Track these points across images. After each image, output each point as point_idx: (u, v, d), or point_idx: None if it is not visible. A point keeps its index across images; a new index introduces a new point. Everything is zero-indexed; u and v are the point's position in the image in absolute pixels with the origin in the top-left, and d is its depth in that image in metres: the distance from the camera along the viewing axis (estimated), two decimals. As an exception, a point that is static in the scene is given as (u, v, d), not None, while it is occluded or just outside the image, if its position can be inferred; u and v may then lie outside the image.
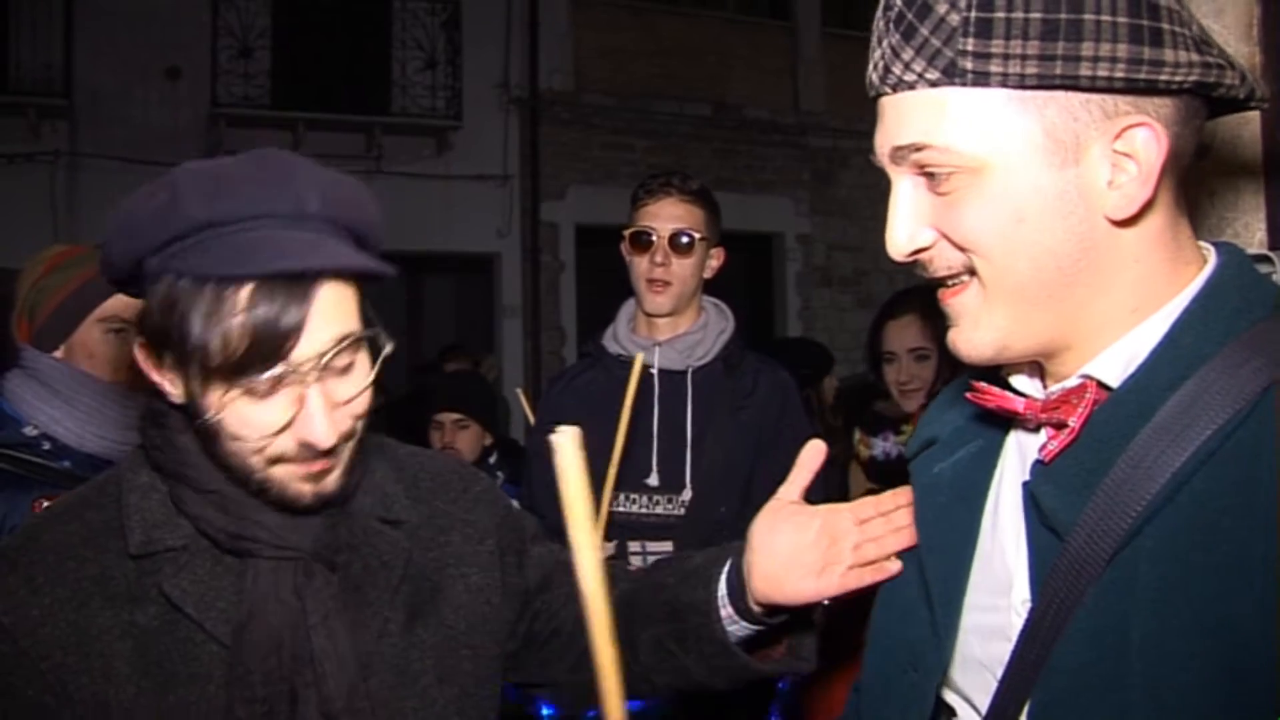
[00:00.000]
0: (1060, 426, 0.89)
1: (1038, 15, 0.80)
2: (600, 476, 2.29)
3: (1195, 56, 0.81)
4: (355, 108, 9.41)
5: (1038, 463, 0.90)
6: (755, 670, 1.22)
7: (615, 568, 1.43)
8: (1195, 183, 1.35)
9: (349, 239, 1.07)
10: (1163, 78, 0.80)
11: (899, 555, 1.12)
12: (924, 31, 0.83)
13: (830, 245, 11.21)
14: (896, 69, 0.85)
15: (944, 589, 0.97)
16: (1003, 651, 0.89)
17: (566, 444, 1.03)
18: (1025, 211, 0.83)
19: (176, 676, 1.06)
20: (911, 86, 0.85)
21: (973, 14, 0.81)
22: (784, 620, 1.21)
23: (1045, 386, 0.94)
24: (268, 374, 1.00)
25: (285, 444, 1.04)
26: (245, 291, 0.98)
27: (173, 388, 1.07)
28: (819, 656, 1.26)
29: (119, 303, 1.85)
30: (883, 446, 3.06)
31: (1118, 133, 0.82)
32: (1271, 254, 1.26)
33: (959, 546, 0.98)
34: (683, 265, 2.42)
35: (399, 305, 10.29)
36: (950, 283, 0.90)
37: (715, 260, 2.51)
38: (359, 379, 1.07)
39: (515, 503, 1.52)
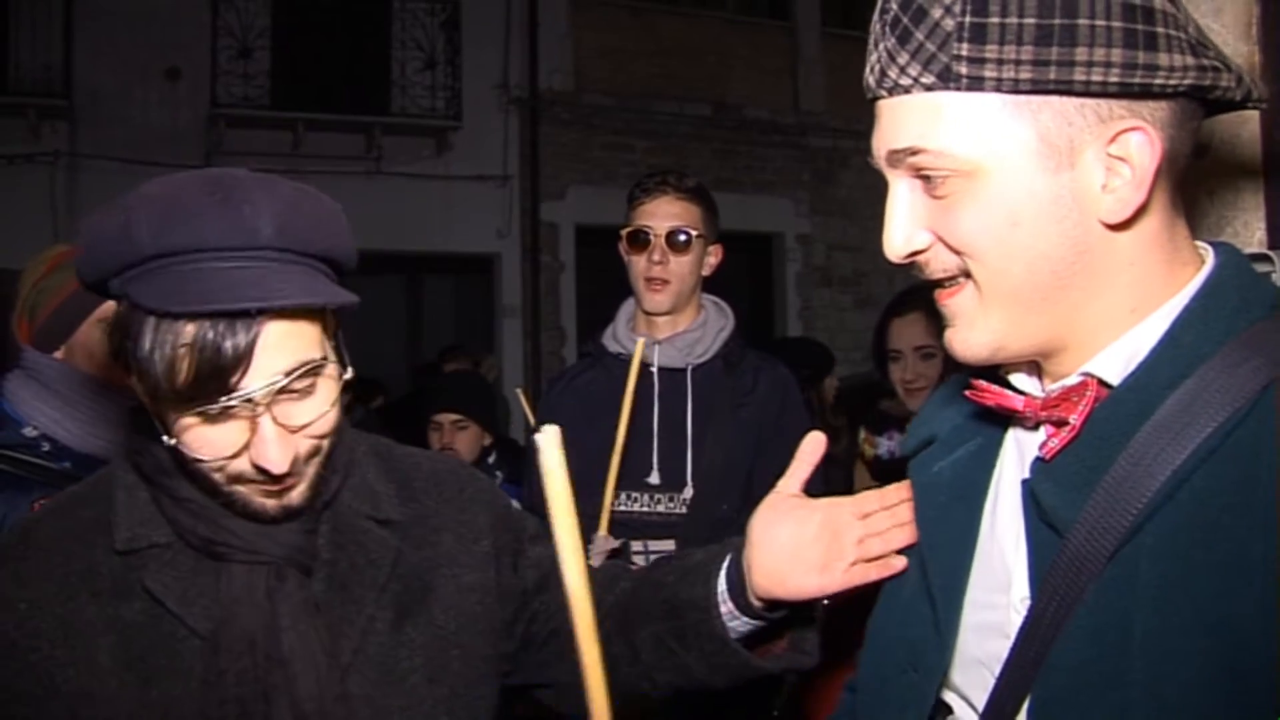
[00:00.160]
0: (1060, 424, 0.89)
1: (1032, 20, 0.80)
2: (602, 476, 2.30)
3: (1190, 60, 0.81)
4: (355, 108, 9.41)
5: (1038, 460, 0.91)
6: (756, 667, 1.21)
7: (617, 566, 1.43)
8: (1194, 181, 1.35)
9: (308, 265, 1.07)
10: (1157, 82, 0.80)
11: (902, 552, 1.12)
12: (919, 36, 0.84)
13: (830, 245, 11.21)
14: (892, 73, 0.86)
15: (945, 588, 0.97)
16: (1001, 649, 0.89)
17: (549, 443, 1.03)
18: (1020, 215, 0.84)
19: (158, 671, 1.08)
20: (907, 90, 0.86)
21: (967, 19, 0.81)
22: (785, 615, 1.21)
23: (1043, 384, 0.95)
24: (216, 405, 1.01)
25: (242, 465, 1.06)
26: (190, 325, 0.99)
27: (143, 398, 1.08)
28: (820, 653, 1.25)
29: (119, 303, 1.85)
30: (888, 445, 3.06)
31: (1112, 137, 0.82)
32: (1271, 253, 1.26)
33: (960, 545, 0.98)
34: (680, 263, 2.42)
35: (399, 305, 10.30)
36: (947, 284, 0.91)
37: (713, 257, 2.51)
38: (319, 403, 1.08)
39: (516, 503, 1.52)
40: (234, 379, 1.00)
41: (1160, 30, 0.80)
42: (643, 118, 10.38)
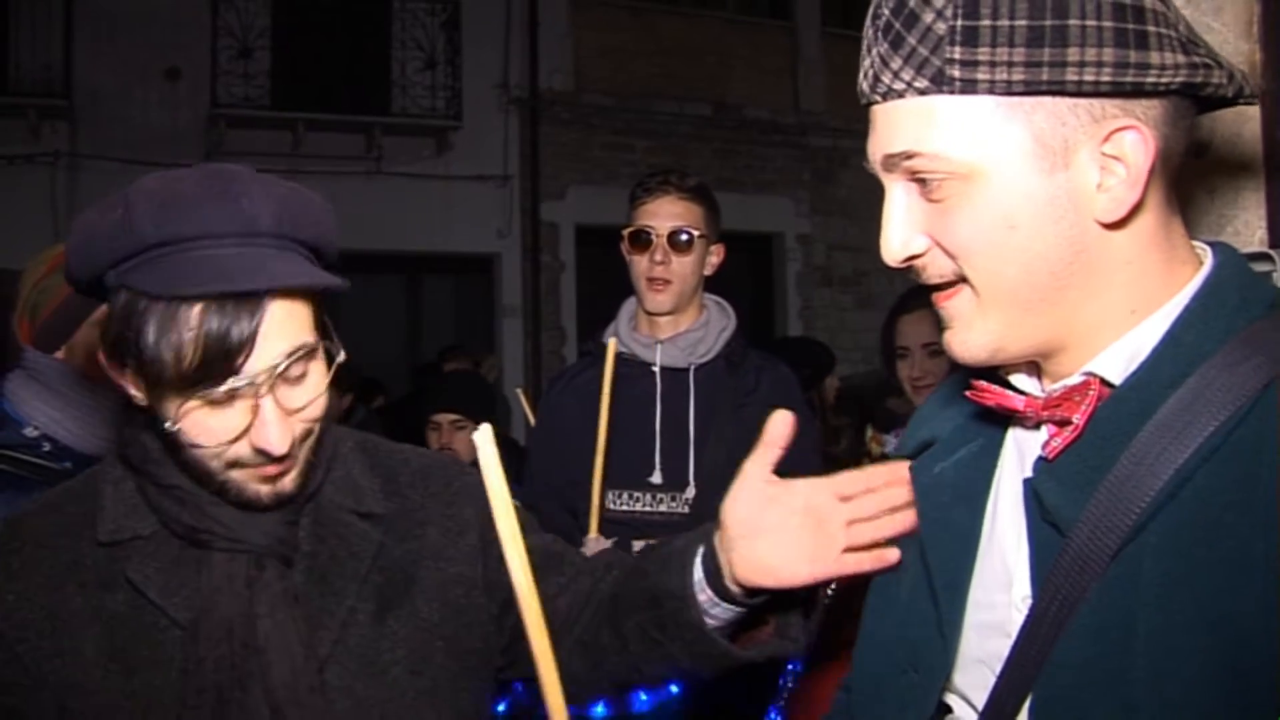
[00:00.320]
0: (1063, 424, 0.89)
1: (1023, 22, 0.80)
2: (604, 474, 2.30)
3: (1182, 58, 0.81)
4: (355, 108, 9.41)
5: (1040, 459, 0.91)
6: (736, 657, 1.19)
7: (612, 554, 1.42)
8: (1195, 180, 1.35)
9: (301, 253, 1.11)
10: (1149, 80, 0.81)
11: (900, 552, 1.10)
12: (911, 40, 0.84)
13: (830, 245, 11.21)
14: (886, 78, 0.86)
15: (949, 587, 0.97)
16: (1002, 648, 0.89)
17: (485, 442, 1.05)
18: (1016, 218, 0.84)
19: (140, 661, 1.11)
20: (901, 95, 0.86)
21: (959, 22, 0.82)
22: (766, 600, 1.18)
23: (1042, 384, 0.95)
24: (221, 387, 1.04)
25: (241, 450, 1.08)
26: (196, 309, 1.02)
27: (137, 392, 1.11)
28: (820, 651, 1.24)
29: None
30: (895, 444, 3.06)
31: (1105, 136, 0.82)
32: (1272, 251, 1.26)
33: (962, 545, 0.98)
34: (682, 263, 2.42)
35: (399, 306, 10.30)
36: (944, 286, 0.91)
37: (715, 257, 2.51)
38: (312, 387, 1.12)
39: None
40: (240, 360, 1.03)
41: (1151, 29, 0.81)
42: (643, 117, 10.38)
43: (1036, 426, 0.94)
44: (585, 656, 1.27)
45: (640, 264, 2.44)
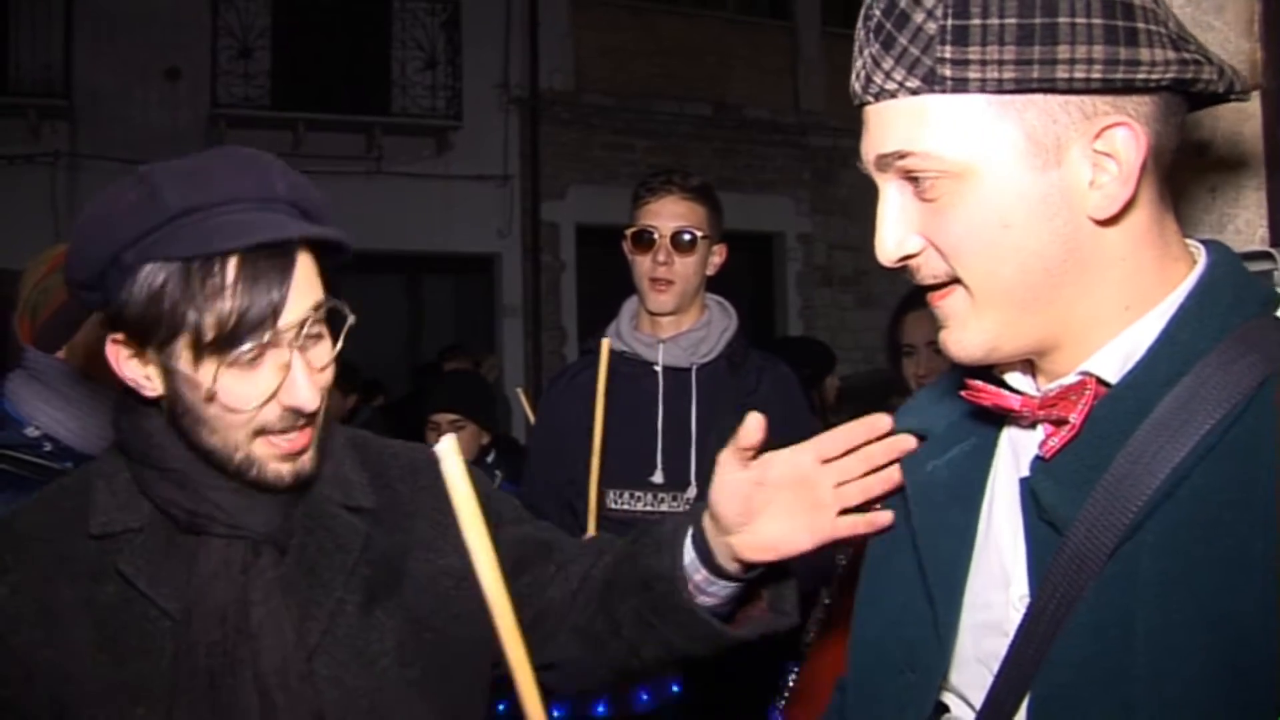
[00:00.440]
0: (1059, 423, 0.89)
1: (1013, 21, 0.81)
2: (606, 473, 2.30)
3: (1171, 54, 0.82)
4: (355, 108, 9.41)
5: (1037, 459, 0.91)
6: (730, 637, 1.20)
7: (603, 539, 1.42)
8: (1197, 179, 1.35)
9: (309, 220, 1.16)
10: (1140, 76, 0.81)
11: (892, 551, 1.10)
12: (903, 41, 0.84)
13: (831, 245, 11.21)
14: (878, 78, 0.87)
15: (945, 587, 0.97)
16: (1000, 647, 0.90)
17: (449, 453, 1.05)
18: (1010, 217, 0.84)
19: (132, 651, 1.12)
20: (893, 95, 0.86)
21: (949, 22, 0.82)
22: (762, 572, 1.19)
23: (1037, 383, 0.95)
24: (259, 341, 1.07)
25: (271, 413, 1.11)
26: (231, 265, 1.06)
27: (150, 383, 1.13)
28: (819, 647, 1.24)
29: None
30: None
31: (1097, 133, 0.83)
32: (1273, 250, 1.26)
33: (958, 545, 0.98)
34: (685, 264, 2.42)
35: (399, 306, 10.30)
36: (938, 286, 0.92)
37: (718, 257, 2.51)
38: (328, 347, 1.16)
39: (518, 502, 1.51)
40: (276, 313, 1.07)
41: (1140, 25, 0.81)
42: (643, 117, 10.38)
43: (1032, 425, 0.94)
44: (583, 644, 1.28)
45: (643, 264, 2.44)
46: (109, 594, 1.13)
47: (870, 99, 0.89)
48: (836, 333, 10.27)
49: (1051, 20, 0.80)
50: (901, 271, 0.94)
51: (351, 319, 1.18)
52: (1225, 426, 0.80)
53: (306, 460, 1.17)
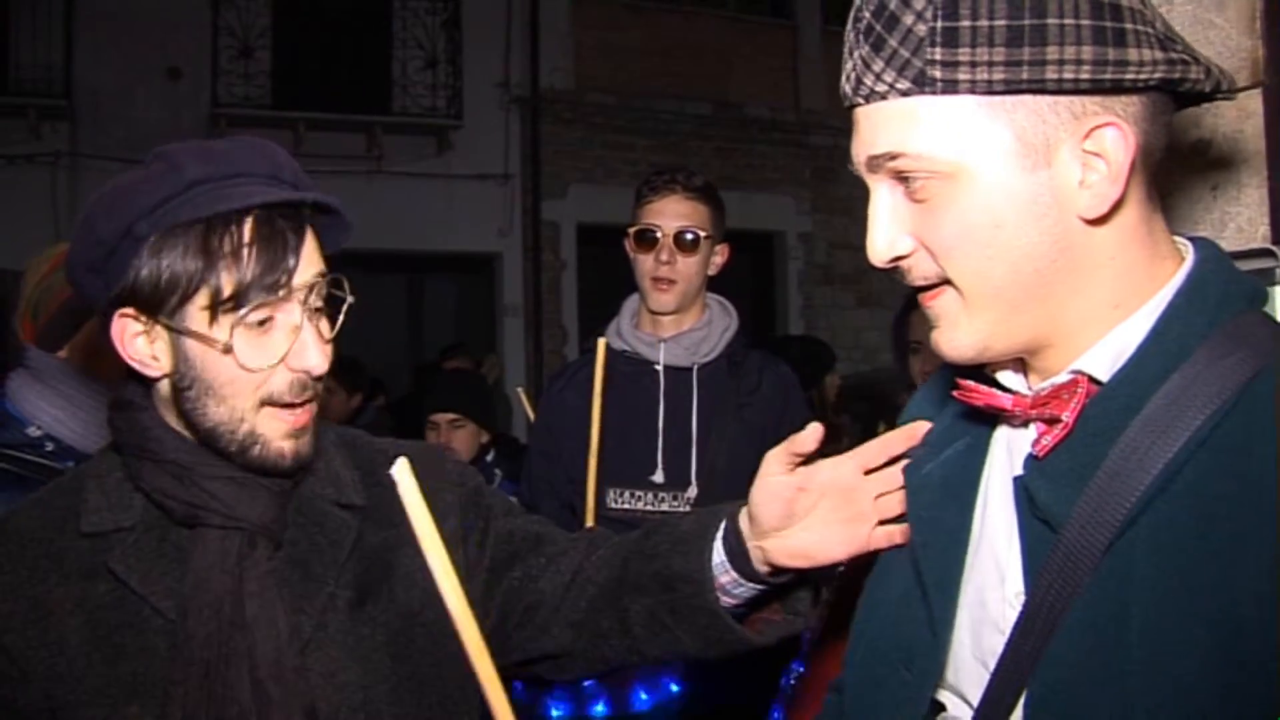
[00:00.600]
0: (1051, 421, 0.90)
1: (1002, 22, 0.81)
2: (606, 472, 2.30)
3: (1159, 54, 0.83)
4: (356, 107, 9.41)
5: (1031, 457, 0.91)
6: (749, 642, 1.21)
7: (596, 533, 1.43)
8: (1198, 177, 1.35)
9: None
10: (1128, 77, 0.82)
11: (890, 552, 1.11)
12: (893, 43, 0.85)
13: (832, 243, 11.21)
14: (868, 80, 0.87)
15: (940, 586, 0.98)
16: (996, 644, 0.90)
17: (403, 475, 1.08)
18: (1001, 216, 0.85)
19: (125, 649, 1.13)
20: (884, 97, 0.87)
21: (939, 24, 0.83)
22: (789, 579, 1.20)
23: (1029, 381, 0.96)
24: (273, 297, 1.10)
25: (280, 379, 1.14)
26: (248, 225, 1.10)
27: (157, 362, 1.15)
28: (819, 647, 1.24)
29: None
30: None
31: (1086, 133, 0.84)
32: (1275, 248, 1.26)
33: (952, 544, 0.98)
34: (688, 263, 2.41)
35: (400, 305, 10.30)
36: (930, 287, 0.93)
37: (720, 257, 2.51)
38: (329, 326, 1.20)
39: (515, 499, 1.51)
40: (292, 268, 1.11)
41: (1128, 26, 0.82)
42: (644, 116, 10.38)
43: (1025, 424, 0.95)
44: (582, 638, 1.29)
45: (645, 263, 2.44)
46: (101, 593, 1.14)
47: (861, 101, 0.89)
48: (837, 332, 10.26)
49: (1040, 22, 0.81)
50: (893, 273, 0.94)
51: (350, 299, 1.20)
52: (1216, 421, 0.81)
53: (306, 443, 1.18)
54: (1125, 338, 0.88)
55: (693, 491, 2.35)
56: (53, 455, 1.82)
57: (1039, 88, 0.82)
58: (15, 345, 1.92)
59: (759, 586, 1.20)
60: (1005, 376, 0.97)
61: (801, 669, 2.13)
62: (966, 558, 0.97)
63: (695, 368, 2.43)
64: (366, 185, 9.05)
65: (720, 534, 1.21)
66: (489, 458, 3.51)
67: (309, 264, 1.14)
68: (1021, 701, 0.87)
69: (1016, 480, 0.93)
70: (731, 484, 2.34)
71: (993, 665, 0.90)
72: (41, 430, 1.83)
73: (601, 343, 2.36)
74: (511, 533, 1.35)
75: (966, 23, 0.82)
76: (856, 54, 0.89)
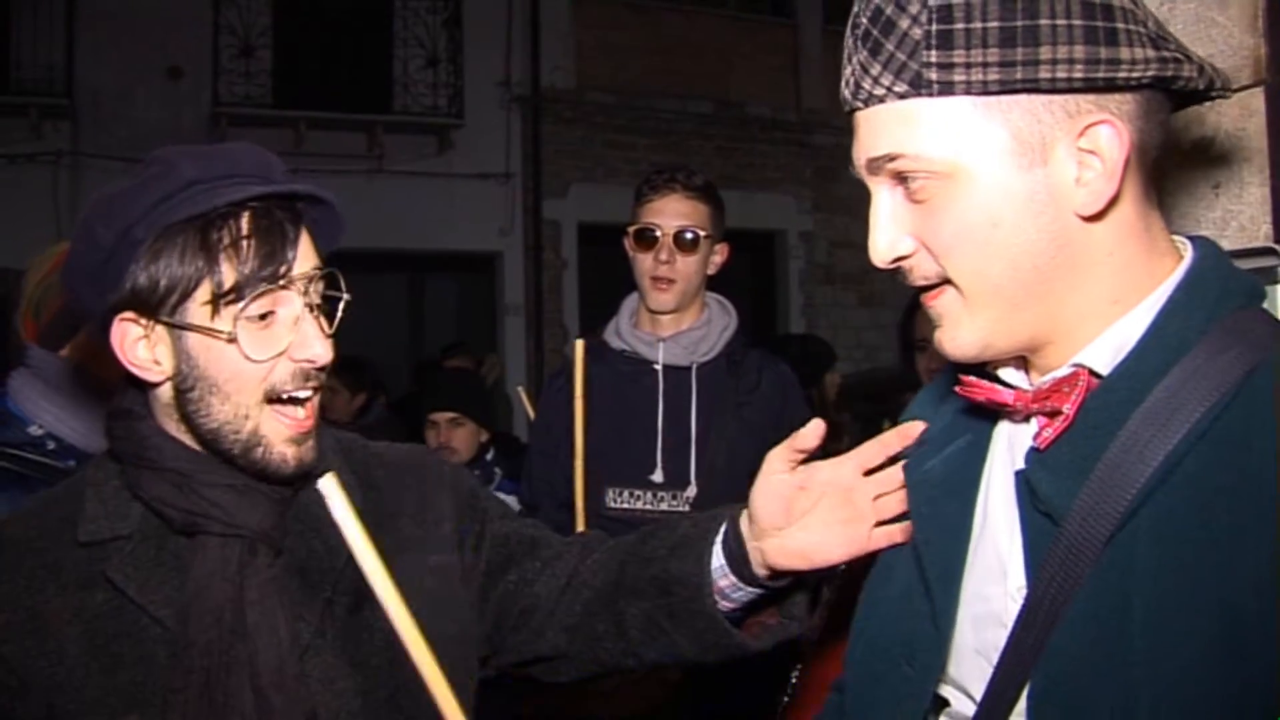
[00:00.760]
0: (1052, 415, 0.91)
1: (995, 24, 0.83)
2: (603, 471, 2.30)
3: (1151, 52, 0.84)
4: (357, 107, 9.40)
5: (1032, 450, 0.92)
6: (747, 648, 1.21)
7: (591, 536, 1.43)
8: (1200, 175, 1.35)
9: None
10: (1121, 75, 0.83)
11: (892, 549, 1.11)
12: (889, 47, 0.87)
13: (833, 243, 11.20)
14: (866, 84, 0.89)
15: (942, 580, 0.99)
16: (999, 638, 0.91)
17: (331, 489, 1.10)
18: (999, 214, 0.87)
19: (124, 658, 1.13)
20: (882, 100, 0.89)
21: (934, 27, 0.85)
22: (789, 582, 1.20)
23: (1030, 378, 0.97)
24: (273, 285, 1.11)
25: (283, 371, 1.14)
26: (246, 218, 1.11)
27: (159, 365, 1.14)
28: (820, 647, 1.25)
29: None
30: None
31: (1081, 131, 0.85)
32: (1277, 246, 1.26)
33: (954, 539, 0.99)
34: (687, 263, 2.41)
35: (401, 304, 10.30)
36: (931, 287, 0.94)
37: (719, 256, 2.51)
38: (326, 320, 1.20)
39: (513, 499, 1.51)
40: (291, 257, 1.12)
41: (1120, 25, 0.83)
42: (645, 115, 10.38)
43: (1025, 420, 0.96)
44: (577, 641, 1.29)
45: (645, 262, 2.44)
46: (99, 602, 1.14)
47: (860, 105, 0.91)
48: (838, 331, 10.26)
49: (1033, 22, 0.82)
50: (895, 273, 0.96)
51: (347, 297, 1.21)
52: (1216, 414, 0.82)
53: (309, 449, 1.18)
54: (1125, 332, 0.89)
55: (692, 491, 2.35)
56: (54, 454, 1.82)
57: (1033, 87, 0.84)
58: (17, 344, 1.92)
59: (757, 590, 1.19)
60: (1007, 374, 0.98)
61: (801, 669, 2.13)
62: (968, 553, 0.98)
63: (694, 367, 2.43)
64: (367, 184, 9.04)
65: (720, 537, 1.21)
66: (489, 456, 3.51)
67: (306, 257, 1.15)
68: (1025, 694, 0.87)
69: (1018, 474, 0.94)
70: (731, 483, 2.34)
71: (995, 659, 0.90)
72: (43, 429, 1.83)
73: (579, 344, 2.36)
74: (507, 536, 1.35)
75: (960, 25, 0.84)
76: (855, 59, 0.90)
